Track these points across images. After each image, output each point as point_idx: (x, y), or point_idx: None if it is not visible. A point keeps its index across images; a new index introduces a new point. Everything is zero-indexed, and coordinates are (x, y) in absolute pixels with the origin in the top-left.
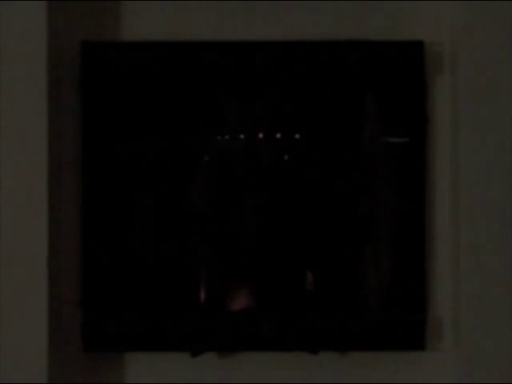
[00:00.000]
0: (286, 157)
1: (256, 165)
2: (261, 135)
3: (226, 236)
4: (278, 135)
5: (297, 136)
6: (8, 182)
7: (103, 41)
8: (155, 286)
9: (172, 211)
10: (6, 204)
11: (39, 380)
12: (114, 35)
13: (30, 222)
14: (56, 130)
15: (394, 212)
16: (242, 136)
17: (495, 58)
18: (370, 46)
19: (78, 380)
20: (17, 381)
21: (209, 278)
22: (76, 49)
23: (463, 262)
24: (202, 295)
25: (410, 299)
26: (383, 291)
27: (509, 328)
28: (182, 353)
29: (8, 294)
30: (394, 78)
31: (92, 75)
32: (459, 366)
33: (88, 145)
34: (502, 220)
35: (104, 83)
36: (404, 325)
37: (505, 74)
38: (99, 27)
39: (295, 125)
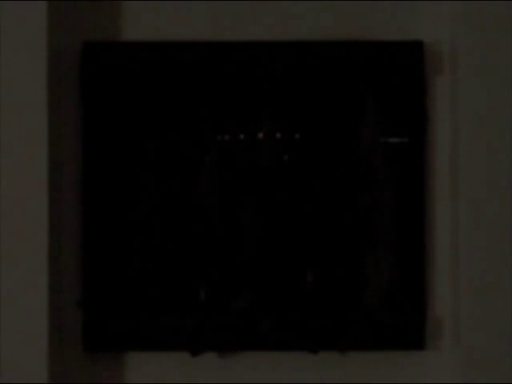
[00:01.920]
0: (285, 157)
1: (256, 165)
2: (261, 135)
3: (226, 235)
4: (278, 135)
5: (297, 136)
6: (8, 182)
7: (104, 41)
8: (155, 286)
9: (172, 211)
10: (6, 204)
11: (39, 380)
12: (114, 35)
13: (30, 222)
14: (56, 130)
15: (393, 212)
16: (241, 136)
17: (495, 57)
18: (369, 46)
19: (78, 380)
20: (17, 381)
21: (209, 277)
22: (76, 49)
23: (463, 262)
24: (202, 294)
25: (410, 299)
26: (383, 291)
27: (509, 328)
28: (182, 352)
29: (8, 293)
30: (393, 78)
31: (93, 75)
32: (459, 366)
33: (88, 145)
34: (502, 220)
35: (105, 83)
36: (404, 324)
37: (504, 73)
38: (100, 27)
39: (295, 125)
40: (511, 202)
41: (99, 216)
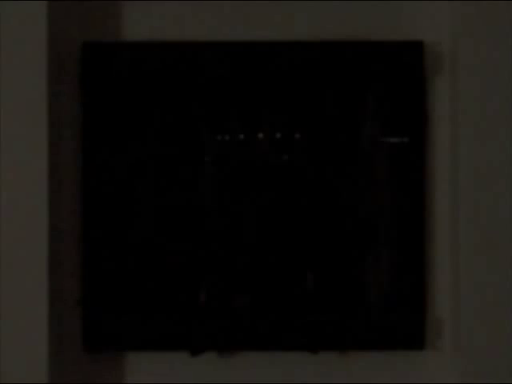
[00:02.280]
0: (285, 157)
1: (256, 165)
2: (261, 135)
3: (226, 235)
4: (278, 135)
5: (297, 136)
6: (8, 182)
7: (104, 41)
8: (155, 286)
9: (172, 211)
10: (6, 204)
11: (39, 380)
12: (114, 35)
13: (30, 222)
14: (56, 130)
15: (393, 212)
16: (241, 136)
17: (495, 58)
18: (369, 46)
19: (78, 380)
20: (17, 381)
21: (209, 277)
22: (76, 49)
23: (463, 262)
24: (202, 295)
25: (410, 299)
26: (383, 291)
27: (509, 328)
28: (182, 352)
29: (8, 293)
30: (393, 78)
31: (93, 75)
32: (459, 366)
33: (88, 145)
34: (502, 220)
35: (105, 83)
36: (404, 324)
37: (504, 73)
38: (100, 28)
39: (295, 125)
40: (511, 202)
41: (99, 216)
